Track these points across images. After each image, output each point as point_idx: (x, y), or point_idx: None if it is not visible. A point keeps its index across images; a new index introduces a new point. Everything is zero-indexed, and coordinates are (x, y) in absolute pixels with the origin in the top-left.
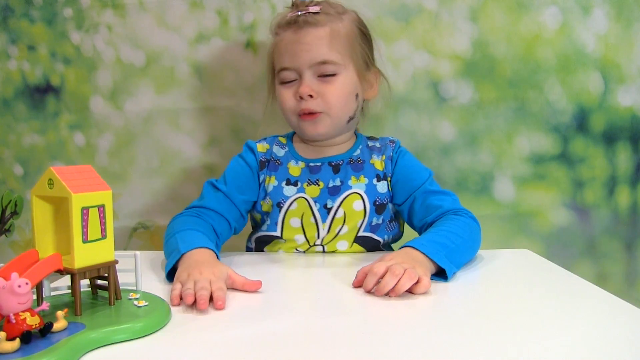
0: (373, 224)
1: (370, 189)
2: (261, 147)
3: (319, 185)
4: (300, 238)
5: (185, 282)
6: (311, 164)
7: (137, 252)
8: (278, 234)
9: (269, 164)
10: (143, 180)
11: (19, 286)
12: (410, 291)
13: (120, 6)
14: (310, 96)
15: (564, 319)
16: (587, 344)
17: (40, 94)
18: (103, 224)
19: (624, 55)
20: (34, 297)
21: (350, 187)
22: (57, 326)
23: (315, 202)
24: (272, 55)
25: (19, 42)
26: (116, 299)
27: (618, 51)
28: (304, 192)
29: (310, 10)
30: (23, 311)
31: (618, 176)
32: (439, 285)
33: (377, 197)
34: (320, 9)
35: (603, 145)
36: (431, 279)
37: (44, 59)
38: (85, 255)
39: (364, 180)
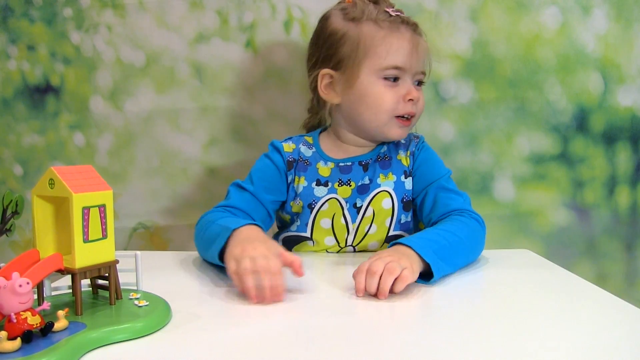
0: (402, 221)
1: (398, 186)
2: (287, 146)
3: (350, 185)
4: (330, 240)
5: (239, 259)
6: (341, 164)
7: (138, 252)
8: (308, 234)
9: (297, 164)
10: (143, 180)
11: (20, 286)
12: (391, 290)
13: (120, 6)
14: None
15: (564, 319)
16: (587, 344)
17: (40, 94)
18: (104, 223)
19: (624, 55)
20: (35, 296)
21: (379, 185)
22: (57, 326)
23: (346, 202)
24: (369, 45)
25: (19, 42)
26: (117, 298)
27: (618, 51)
28: (336, 193)
29: (405, 16)
30: (24, 311)
31: (618, 176)
32: (439, 285)
33: (405, 194)
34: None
35: (603, 145)
36: (421, 282)
37: (44, 59)
38: (86, 255)
39: (392, 178)
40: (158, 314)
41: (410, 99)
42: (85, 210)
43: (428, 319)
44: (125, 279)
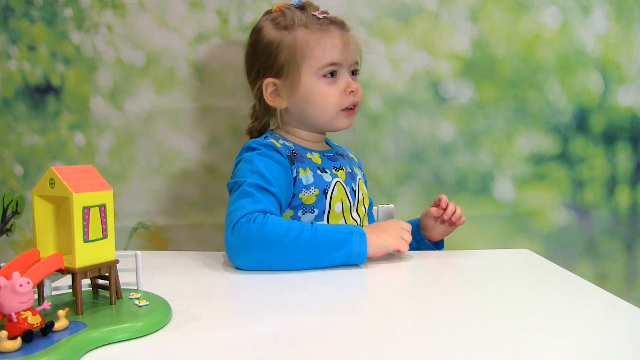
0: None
1: (363, 176)
2: (275, 142)
3: (343, 169)
4: (342, 222)
5: (395, 236)
6: (325, 154)
7: (138, 252)
8: (325, 222)
9: (294, 157)
10: (143, 180)
11: (21, 285)
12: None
13: (120, 6)
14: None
15: (564, 319)
16: (587, 344)
17: (41, 94)
18: (104, 223)
19: (624, 55)
20: (35, 296)
21: (357, 173)
22: (58, 325)
23: (346, 185)
24: (304, 49)
25: (19, 42)
26: (117, 298)
27: (618, 51)
28: (337, 177)
29: (332, 16)
30: (24, 310)
31: (618, 176)
32: (439, 285)
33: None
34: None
35: (603, 145)
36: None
37: (44, 59)
38: (86, 255)
39: (357, 169)
40: (158, 313)
41: (351, 91)
42: (86, 210)
43: (428, 318)
44: (125, 278)
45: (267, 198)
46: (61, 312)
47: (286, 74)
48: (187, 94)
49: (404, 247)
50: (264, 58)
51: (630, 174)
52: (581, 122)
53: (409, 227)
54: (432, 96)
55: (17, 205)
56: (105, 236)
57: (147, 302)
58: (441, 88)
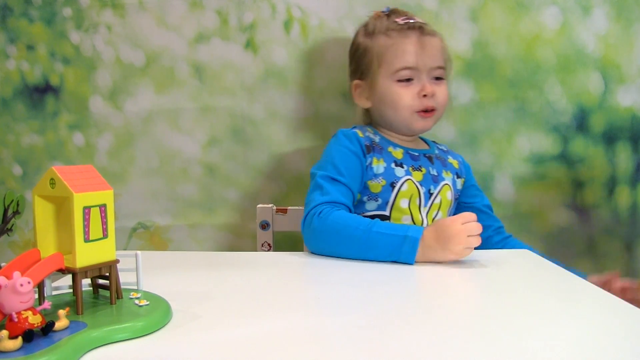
0: (451, 214)
1: (453, 183)
2: (360, 133)
3: (421, 171)
4: (407, 219)
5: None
6: (410, 152)
7: (139, 252)
8: (387, 213)
9: (373, 147)
10: (143, 180)
11: (21, 285)
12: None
13: (120, 6)
14: (432, 95)
15: (564, 319)
16: (587, 344)
17: (40, 93)
18: (104, 223)
19: (624, 55)
20: (36, 296)
21: (443, 179)
22: (58, 325)
23: (421, 186)
24: (382, 55)
25: (18, 41)
26: (117, 298)
27: (618, 51)
28: (411, 176)
29: (421, 20)
30: (25, 310)
31: (618, 176)
32: (438, 285)
33: (456, 192)
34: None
35: (603, 145)
36: None
37: (43, 59)
38: (86, 255)
39: (449, 175)
40: (158, 313)
41: (424, 95)
42: (86, 210)
43: (428, 318)
44: (125, 278)
45: (337, 188)
46: (62, 312)
47: (367, 76)
48: (187, 94)
49: (466, 254)
50: (354, 61)
51: (630, 174)
52: (581, 122)
53: (479, 228)
54: None
55: (17, 205)
56: (105, 236)
57: (147, 302)
58: None
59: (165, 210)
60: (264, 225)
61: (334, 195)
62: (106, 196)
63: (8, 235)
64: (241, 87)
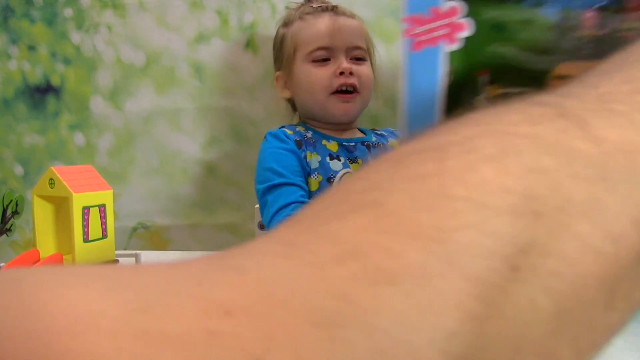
0: None
1: None
2: (288, 131)
3: (359, 163)
4: None
5: None
6: (345, 143)
7: (139, 252)
8: None
9: (304, 141)
10: (143, 180)
11: None
12: None
13: (120, 6)
14: (351, 73)
15: None
16: None
17: (41, 94)
18: (104, 223)
19: None
20: None
21: None
22: None
23: None
24: (296, 38)
25: (19, 42)
26: None
27: None
28: (349, 168)
29: (328, 3)
30: None
31: None
32: None
33: None
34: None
35: None
36: None
37: (44, 59)
38: (86, 255)
39: None
40: None
41: (341, 72)
42: (85, 210)
43: None
44: None
45: (279, 193)
46: None
47: (285, 65)
48: (187, 94)
49: None
50: (274, 54)
51: None
52: None
53: None
54: None
55: (17, 205)
56: (104, 236)
57: None
58: None
59: (165, 210)
60: (263, 226)
61: (279, 203)
62: (105, 196)
63: (7, 235)
64: (241, 87)
